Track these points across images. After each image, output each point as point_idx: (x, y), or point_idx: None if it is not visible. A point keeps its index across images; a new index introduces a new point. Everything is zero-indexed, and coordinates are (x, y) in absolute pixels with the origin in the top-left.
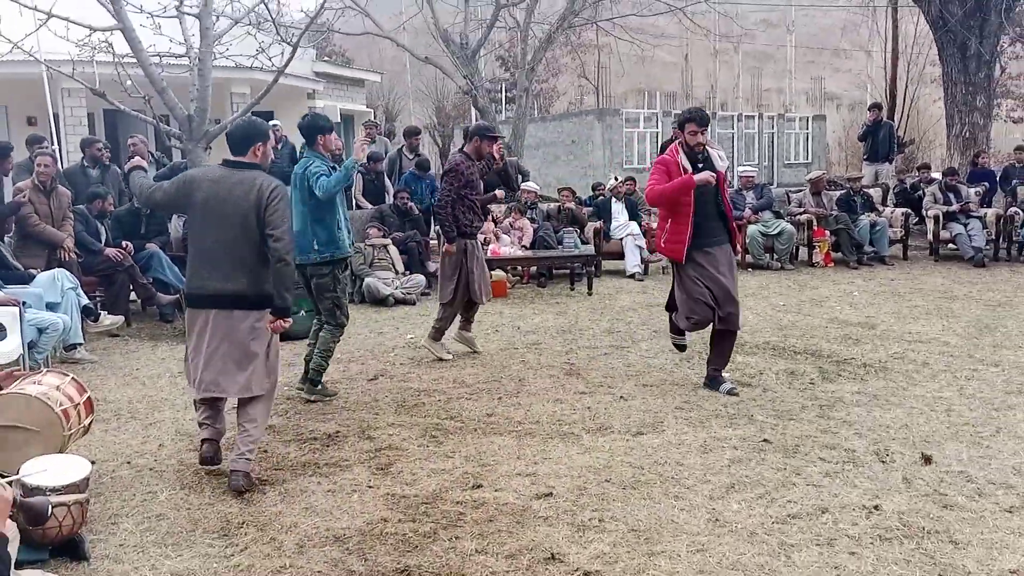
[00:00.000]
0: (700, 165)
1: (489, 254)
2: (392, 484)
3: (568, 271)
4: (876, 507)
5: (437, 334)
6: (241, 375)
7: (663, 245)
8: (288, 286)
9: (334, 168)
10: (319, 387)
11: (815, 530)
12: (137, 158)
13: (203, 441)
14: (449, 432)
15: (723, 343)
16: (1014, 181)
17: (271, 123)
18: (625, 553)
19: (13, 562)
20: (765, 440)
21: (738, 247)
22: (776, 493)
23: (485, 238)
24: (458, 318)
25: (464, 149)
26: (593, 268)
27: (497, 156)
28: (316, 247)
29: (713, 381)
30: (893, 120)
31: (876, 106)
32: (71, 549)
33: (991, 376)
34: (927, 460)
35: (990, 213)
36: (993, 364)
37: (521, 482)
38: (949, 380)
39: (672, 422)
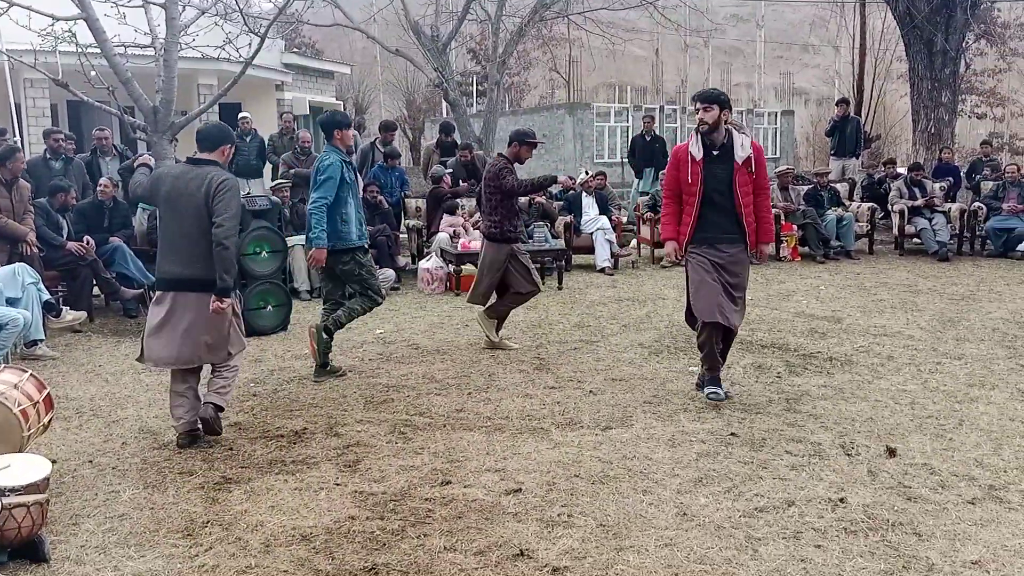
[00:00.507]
0: (716, 152)
1: (459, 248)
2: (360, 481)
3: (538, 265)
4: (842, 500)
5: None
6: (198, 348)
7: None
8: (227, 269)
9: (348, 162)
10: (326, 338)
11: (782, 523)
12: (145, 155)
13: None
14: (418, 428)
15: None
16: (977, 176)
17: (240, 115)
18: (594, 548)
19: None
20: (732, 434)
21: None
22: (743, 487)
23: (455, 231)
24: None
25: (504, 153)
26: (563, 262)
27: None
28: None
29: (712, 381)
30: (860, 115)
31: (844, 101)
32: (31, 551)
33: (954, 369)
34: (891, 453)
35: (954, 208)
36: (956, 357)
37: (490, 478)
38: (913, 373)
39: (641, 416)
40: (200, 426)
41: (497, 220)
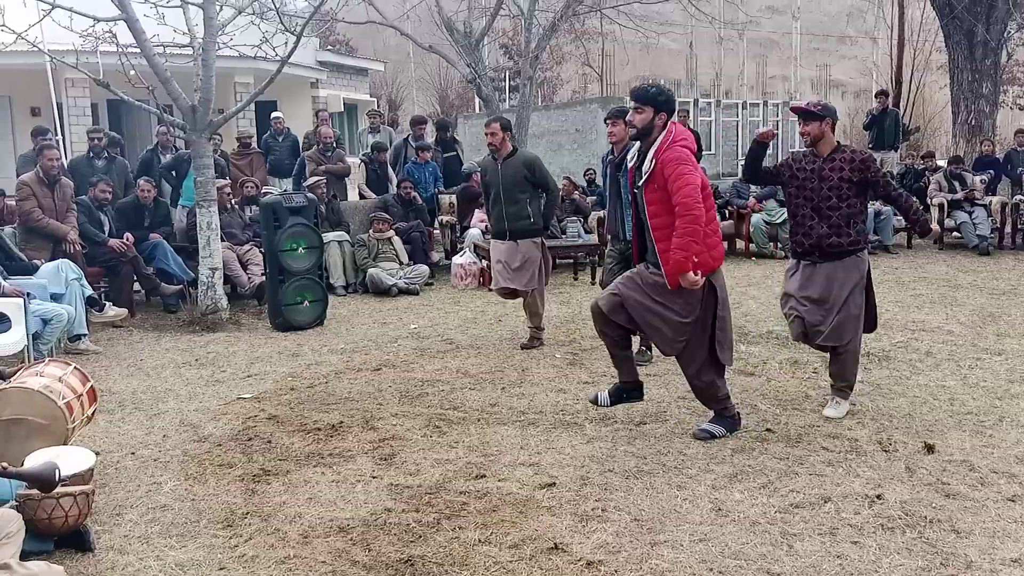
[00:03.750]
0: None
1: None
2: (396, 474)
3: (571, 260)
4: (879, 496)
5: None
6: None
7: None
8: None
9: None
10: None
11: (817, 520)
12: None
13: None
14: (452, 422)
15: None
16: (1020, 169)
17: (273, 115)
18: (628, 543)
19: (19, 553)
20: (768, 430)
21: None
22: (779, 483)
23: (487, 226)
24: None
25: None
26: (597, 257)
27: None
28: None
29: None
30: (899, 108)
31: (883, 93)
32: (76, 540)
33: (995, 365)
34: (930, 449)
35: (995, 201)
36: (997, 353)
37: (524, 472)
38: (952, 369)
39: (675, 411)
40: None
41: None
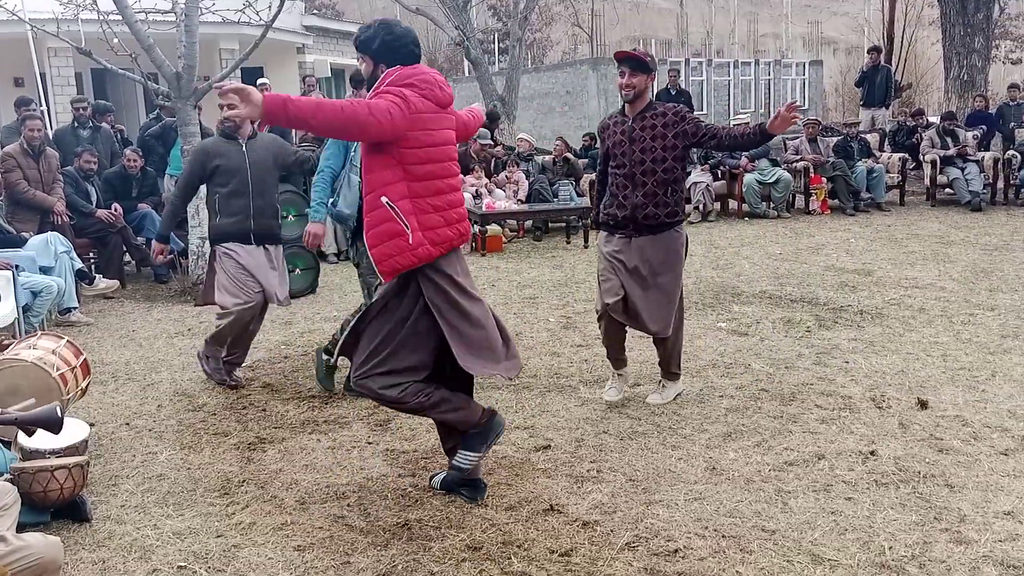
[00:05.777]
0: None
1: (484, 208)
2: (391, 440)
3: (564, 224)
4: (872, 452)
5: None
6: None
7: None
8: None
9: None
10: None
11: (812, 476)
12: None
13: None
14: None
15: None
16: (1012, 124)
17: (259, 81)
18: (623, 503)
19: (15, 525)
20: (762, 389)
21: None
22: (773, 441)
23: (476, 190)
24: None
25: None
26: (589, 220)
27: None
28: None
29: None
30: (891, 64)
31: (875, 49)
32: (73, 511)
33: (987, 320)
34: (923, 405)
35: (988, 157)
36: (989, 308)
37: (519, 435)
38: (945, 325)
39: None
40: None
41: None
